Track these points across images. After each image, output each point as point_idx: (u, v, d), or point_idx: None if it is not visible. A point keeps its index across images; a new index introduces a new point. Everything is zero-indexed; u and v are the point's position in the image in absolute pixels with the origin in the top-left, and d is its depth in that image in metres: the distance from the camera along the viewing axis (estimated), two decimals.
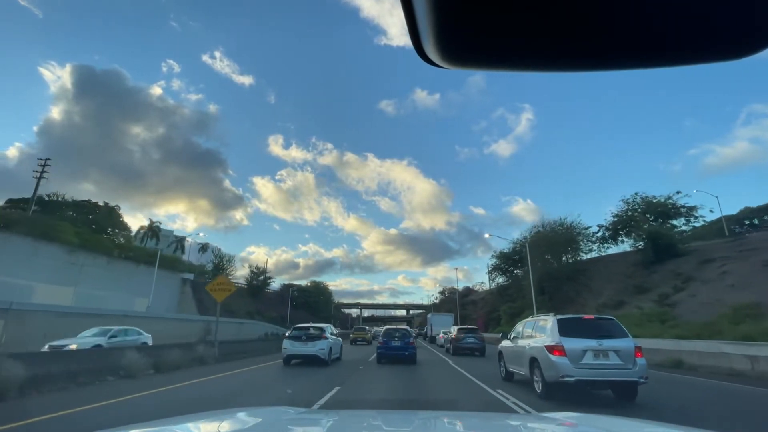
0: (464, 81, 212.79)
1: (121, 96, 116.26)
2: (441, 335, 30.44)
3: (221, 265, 54.58)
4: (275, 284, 69.35)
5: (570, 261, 40.29)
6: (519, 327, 10.74)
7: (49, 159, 47.19)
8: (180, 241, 65.32)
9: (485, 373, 12.67)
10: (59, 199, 41.45)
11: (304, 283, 79.79)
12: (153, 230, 60.76)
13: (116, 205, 54.27)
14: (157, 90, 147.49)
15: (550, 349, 8.17)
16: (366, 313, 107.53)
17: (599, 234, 42.07)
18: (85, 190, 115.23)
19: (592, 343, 7.98)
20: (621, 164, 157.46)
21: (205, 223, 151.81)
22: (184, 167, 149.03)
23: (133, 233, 57.06)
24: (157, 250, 51.83)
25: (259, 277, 62.68)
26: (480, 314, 56.21)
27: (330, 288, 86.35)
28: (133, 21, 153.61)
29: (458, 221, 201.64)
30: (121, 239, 50.23)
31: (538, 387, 8.54)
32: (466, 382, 11.22)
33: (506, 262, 55.82)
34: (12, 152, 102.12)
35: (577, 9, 0.51)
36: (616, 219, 39.85)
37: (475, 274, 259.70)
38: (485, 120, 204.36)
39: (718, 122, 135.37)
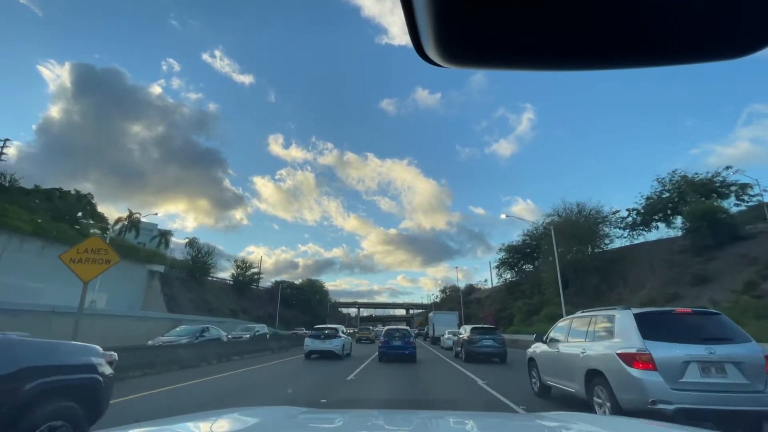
0: (465, 80, 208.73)
1: (121, 95, 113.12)
2: (446, 335, 27.14)
3: (199, 257, 49.09)
4: (269, 282, 64.46)
5: (596, 251, 35.08)
6: (562, 327, 8.29)
7: (8, 139, 42.60)
8: (164, 235, 60.40)
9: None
10: (7, 180, 36.14)
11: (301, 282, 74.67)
12: (132, 222, 55.64)
13: (88, 194, 49.47)
14: (156, 89, 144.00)
15: (629, 358, 5.45)
16: (365, 312, 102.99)
17: (629, 219, 36.84)
18: (85, 189, 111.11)
19: (699, 350, 5.21)
20: (622, 164, 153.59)
21: (205, 222, 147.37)
22: (184, 166, 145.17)
23: (111, 225, 52.10)
24: (137, 243, 47.07)
25: (246, 272, 57.62)
26: (488, 312, 50.82)
27: (327, 287, 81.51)
28: (133, 20, 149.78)
29: (458, 221, 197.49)
30: (97, 230, 45.61)
31: (603, 413, 5.69)
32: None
33: (515, 256, 50.78)
34: (11, 151, 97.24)
35: (577, 7, 0.50)
36: (649, 202, 34.59)
37: (475, 274, 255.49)
38: (486, 119, 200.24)
39: (719, 122, 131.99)
